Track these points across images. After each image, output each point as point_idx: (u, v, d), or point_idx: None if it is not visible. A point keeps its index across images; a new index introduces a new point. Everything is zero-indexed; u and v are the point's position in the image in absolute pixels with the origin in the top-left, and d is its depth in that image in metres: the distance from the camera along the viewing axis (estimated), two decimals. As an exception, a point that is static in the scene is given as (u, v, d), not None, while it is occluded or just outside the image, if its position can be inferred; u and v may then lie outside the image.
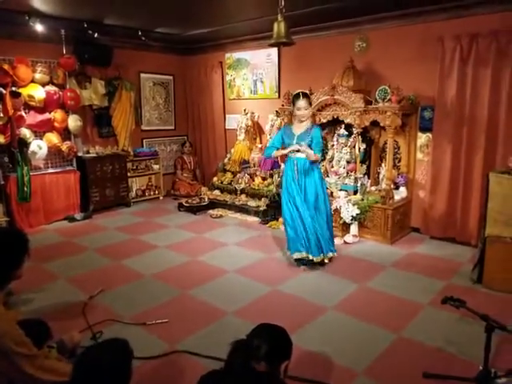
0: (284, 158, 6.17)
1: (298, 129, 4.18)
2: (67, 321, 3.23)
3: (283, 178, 4.36)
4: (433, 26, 4.83)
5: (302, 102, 4.05)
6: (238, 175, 6.75)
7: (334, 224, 5.14)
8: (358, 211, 4.90)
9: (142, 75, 7.34)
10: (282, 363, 1.83)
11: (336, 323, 3.23)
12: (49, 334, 2.51)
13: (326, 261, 4.24)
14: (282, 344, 1.88)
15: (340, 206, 5.00)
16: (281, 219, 5.72)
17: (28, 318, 2.58)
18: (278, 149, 4.30)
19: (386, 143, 5.26)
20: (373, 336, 3.04)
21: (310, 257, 4.12)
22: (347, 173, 5.39)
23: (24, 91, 5.45)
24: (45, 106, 5.71)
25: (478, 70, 4.54)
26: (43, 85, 5.71)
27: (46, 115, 5.74)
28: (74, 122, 6.07)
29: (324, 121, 5.37)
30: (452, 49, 4.65)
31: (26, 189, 5.52)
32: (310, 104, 4.10)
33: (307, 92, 4.30)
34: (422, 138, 5.17)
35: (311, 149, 4.04)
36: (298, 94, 4.10)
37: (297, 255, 4.16)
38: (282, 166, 6.17)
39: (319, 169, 4.30)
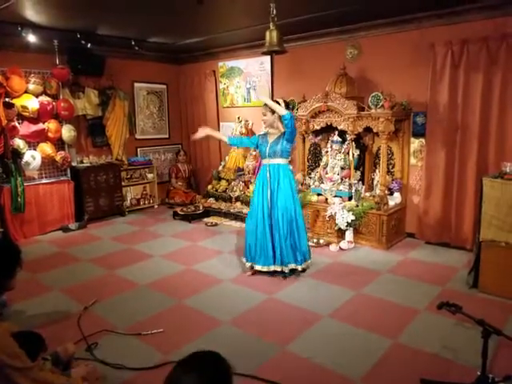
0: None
1: (271, 136, 4.23)
2: (62, 332, 3.20)
3: (255, 185, 4.37)
4: (424, 33, 4.88)
5: (262, 109, 4.17)
6: (233, 183, 6.75)
7: (329, 230, 5.18)
8: (352, 217, 4.90)
9: (136, 84, 7.35)
10: None
11: (332, 331, 3.22)
12: (43, 345, 2.48)
13: (300, 268, 4.21)
14: (222, 381, 1.36)
15: (335, 213, 5.00)
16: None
17: (22, 329, 2.55)
18: (243, 141, 4.57)
19: (379, 149, 5.29)
20: (369, 343, 3.03)
21: (278, 268, 4.14)
22: (341, 179, 5.40)
23: (17, 102, 5.45)
24: (38, 117, 5.70)
25: (469, 75, 4.58)
26: (37, 95, 5.71)
27: (40, 125, 5.73)
28: (67, 132, 6.06)
29: (317, 128, 5.40)
30: (443, 55, 4.69)
31: (19, 199, 5.48)
32: (273, 112, 4.10)
33: (266, 102, 4.24)
34: (415, 144, 5.20)
35: (284, 155, 4.15)
36: (263, 104, 4.19)
37: (263, 268, 4.17)
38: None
39: (292, 175, 4.31)
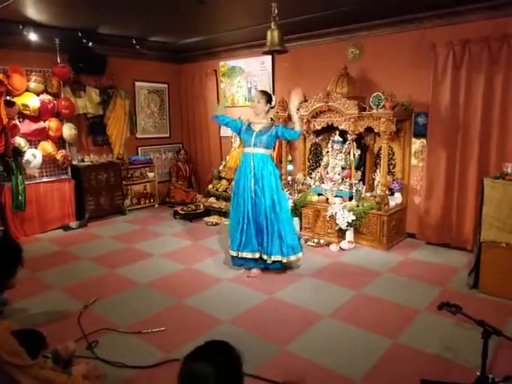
0: (279, 164, 6.22)
1: (257, 125, 4.23)
2: (62, 330, 3.20)
3: (237, 174, 4.35)
4: (425, 33, 4.88)
5: (258, 94, 4.25)
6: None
7: (330, 230, 5.18)
8: (353, 217, 4.90)
9: (137, 83, 7.35)
10: None
11: (332, 331, 3.22)
12: (44, 343, 2.48)
13: (285, 260, 4.20)
14: (234, 368, 1.42)
15: (335, 213, 5.00)
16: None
17: (23, 327, 2.55)
18: (230, 120, 4.44)
19: (380, 149, 5.28)
20: (370, 343, 3.03)
21: (264, 256, 4.16)
22: (342, 179, 5.40)
23: (18, 100, 5.44)
24: (39, 115, 5.70)
25: (470, 75, 4.58)
26: (38, 94, 5.71)
27: (41, 124, 5.73)
28: (68, 130, 6.06)
29: (318, 127, 5.40)
30: (445, 55, 4.69)
31: (20, 198, 5.49)
32: (269, 102, 4.22)
33: (267, 91, 4.46)
34: (417, 144, 5.20)
35: (268, 146, 4.20)
36: (260, 90, 4.37)
37: (248, 254, 4.20)
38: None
39: (275, 167, 4.32)
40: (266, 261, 4.20)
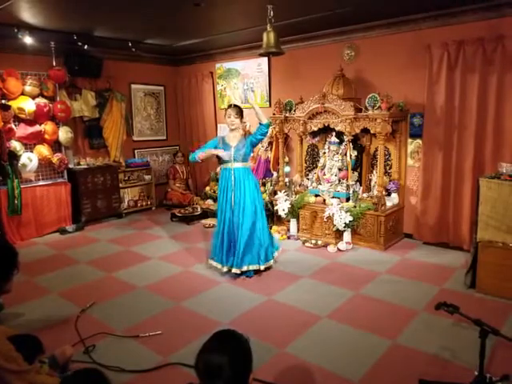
0: (276, 166, 6.23)
1: (233, 140, 4.28)
2: (59, 335, 3.19)
3: (219, 188, 4.42)
4: (420, 34, 4.89)
5: (230, 110, 4.25)
6: (231, 184, 6.74)
7: (327, 231, 5.19)
8: (350, 218, 4.91)
9: (133, 86, 7.34)
10: (248, 378, 1.53)
11: (331, 332, 3.21)
12: (40, 348, 2.47)
13: (264, 267, 4.30)
14: (245, 354, 1.55)
15: (333, 214, 5.01)
16: (274, 227, 5.75)
17: (19, 332, 2.54)
18: (202, 150, 4.37)
19: (376, 150, 5.29)
20: (368, 344, 3.03)
21: (245, 267, 4.21)
22: (339, 180, 5.41)
23: (14, 104, 5.43)
24: (35, 119, 5.69)
25: (465, 76, 4.60)
26: (33, 97, 5.70)
27: (37, 127, 5.72)
28: (64, 133, 6.05)
29: (315, 129, 5.40)
30: (439, 56, 4.71)
31: (16, 202, 5.47)
32: (242, 116, 4.29)
33: (237, 104, 4.45)
34: (412, 145, 5.21)
35: (246, 159, 4.26)
36: (230, 105, 4.36)
37: (228, 267, 4.27)
38: (275, 174, 6.21)
39: (254, 178, 4.40)
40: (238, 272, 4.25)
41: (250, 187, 4.23)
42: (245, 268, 4.20)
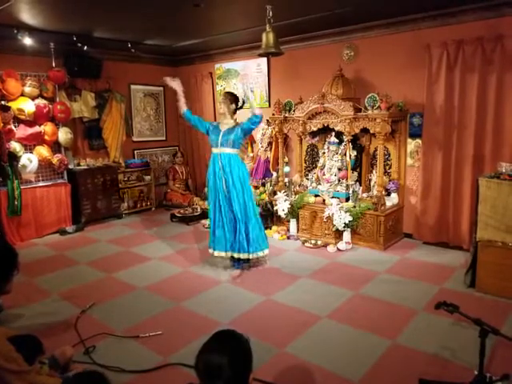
0: (275, 166, 6.24)
1: (225, 126, 4.29)
2: (59, 336, 3.19)
3: (207, 175, 4.44)
4: (420, 34, 4.90)
5: (220, 97, 4.32)
6: (230, 185, 6.74)
7: (327, 231, 5.19)
8: (350, 218, 4.91)
9: (133, 87, 7.35)
10: (249, 378, 1.54)
11: (331, 332, 3.22)
12: (41, 349, 2.47)
13: (252, 257, 4.32)
14: (245, 354, 1.56)
15: (332, 214, 5.01)
16: (274, 227, 5.75)
17: (19, 333, 2.54)
18: (196, 119, 4.44)
19: (376, 150, 5.30)
20: (368, 343, 3.03)
21: (235, 255, 4.29)
22: (339, 180, 5.41)
23: (13, 105, 5.43)
24: (35, 120, 5.69)
25: (464, 76, 4.60)
26: (33, 98, 5.70)
27: (36, 128, 5.72)
28: (64, 134, 6.05)
29: (314, 129, 5.40)
30: (439, 55, 4.71)
31: (16, 202, 5.47)
32: (235, 102, 4.27)
33: (232, 92, 4.51)
34: (412, 144, 5.22)
35: (235, 146, 4.22)
36: (225, 92, 4.44)
37: (221, 254, 4.35)
38: (274, 174, 6.22)
39: (243, 166, 4.35)
40: (237, 257, 4.33)
41: (237, 173, 4.21)
42: (236, 255, 4.28)
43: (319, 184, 5.58)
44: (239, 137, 4.20)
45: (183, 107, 4.43)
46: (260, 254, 4.35)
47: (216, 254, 4.38)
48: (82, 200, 6.30)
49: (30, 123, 5.65)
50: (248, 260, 4.38)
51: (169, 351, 2.96)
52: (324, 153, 5.62)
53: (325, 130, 5.50)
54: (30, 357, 2.13)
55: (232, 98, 4.27)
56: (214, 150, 4.29)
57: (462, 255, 4.68)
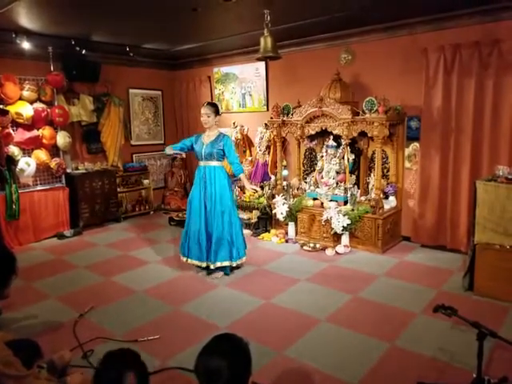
0: (274, 169, 6.25)
1: (207, 138, 4.33)
2: (57, 340, 3.18)
3: (193, 186, 4.50)
4: (417, 38, 4.92)
5: (202, 110, 4.30)
6: (229, 188, 6.74)
7: (325, 235, 5.19)
8: (348, 221, 4.91)
9: (131, 90, 7.36)
10: (248, 382, 1.54)
11: (329, 335, 3.22)
12: (39, 353, 2.47)
13: (235, 264, 4.43)
14: (245, 358, 1.56)
15: (331, 217, 5.01)
16: (273, 231, 5.76)
17: (17, 337, 2.54)
18: (181, 148, 4.50)
19: (374, 153, 5.31)
20: (366, 346, 3.03)
21: (210, 265, 4.34)
22: (337, 183, 5.42)
23: (12, 109, 5.43)
24: (33, 123, 5.69)
25: (462, 79, 4.63)
26: (31, 102, 5.70)
27: (35, 132, 5.72)
28: (62, 138, 6.05)
29: (312, 132, 5.42)
30: (436, 59, 4.74)
31: (14, 206, 5.46)
32: (217, 113, 4.32)
33: (213, 102, 4.60)
34: (410, 148, 5.23)
35: (219, 159, 4.29)
36: (204, 103, 4.43)
37: (195, 262, 4.40)
38: (273, 177, 6.23)
39: (227, 176, 4.43)
40: (210, 267, 4.38)
41: (222, 186, 4.29)
42: (218, 264, 4.31)
43: (317, 187, 5.59)
44: (221, 155, 4.30)
45: (169, 151, 4.50)
46: (239, 262, 4.44)
47: (194, 262, 4.43)
48: (80, 204, 6.29)
49: (28, 127, 5.65)
50: (228, 267, 4.43)
51: (167, 355, 2.96)
52: (322, 156, 5.63)
53: (323, 134, 5.52)
54: (28, 361, 2.12)
55: (214, 109, 4.32)
56: (200, 163, 4.38)
57: (460, 258, 4.69)
